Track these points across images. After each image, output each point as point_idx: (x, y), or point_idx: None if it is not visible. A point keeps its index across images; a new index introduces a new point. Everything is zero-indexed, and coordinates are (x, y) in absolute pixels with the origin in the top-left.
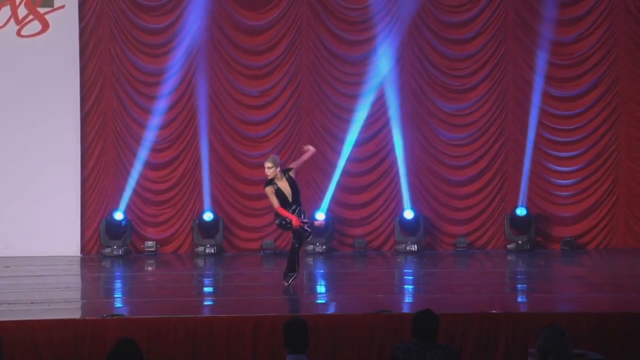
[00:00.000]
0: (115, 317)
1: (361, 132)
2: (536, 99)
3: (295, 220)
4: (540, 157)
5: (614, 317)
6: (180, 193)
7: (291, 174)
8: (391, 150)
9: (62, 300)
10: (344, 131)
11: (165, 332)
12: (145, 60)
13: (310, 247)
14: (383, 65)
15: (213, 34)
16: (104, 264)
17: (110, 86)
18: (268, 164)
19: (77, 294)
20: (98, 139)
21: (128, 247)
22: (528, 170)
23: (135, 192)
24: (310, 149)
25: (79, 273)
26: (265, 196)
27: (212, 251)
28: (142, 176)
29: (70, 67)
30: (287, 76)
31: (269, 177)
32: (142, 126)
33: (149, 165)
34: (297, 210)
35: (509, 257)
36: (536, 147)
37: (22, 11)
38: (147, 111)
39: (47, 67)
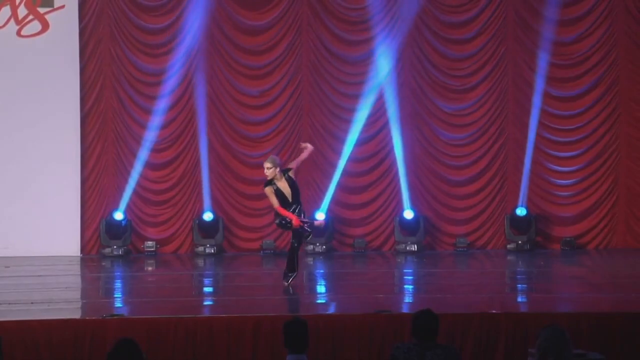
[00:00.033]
0: (115, 317)
1: (361, 132)
2: (536, 99)
3: (295, 220)
4: (540, 157)
5: (614, 317)
6: (180, 193)
7: (290, 174)
8: (391, 150)
9: (62, 300)
10: (344, 131)
11: (165, 332)
12: (145, 60)
13: (310, 247)
14: (383, 65)
15: (213, 34)
16: (104, 264)
17: (110, 86)
18: (267, 165)
19: (77, 294)
20: (98, 139)
21: (128, 247)
22: (528, 170)
23: (135, 192)
24: (308, 146)
25: (79, 273)
26: (265, 196)
27: (212, 251)
28: (142, 176)
29: (70, 67)
30: (287, 76)
31: (269, 178)
32: (142, 126)
33: (149, 165)
34: (297, 210)
35: (509, 257)
36: (536, 147)
37: (22, 11)
38: (147, 111)
39: (47, 67)
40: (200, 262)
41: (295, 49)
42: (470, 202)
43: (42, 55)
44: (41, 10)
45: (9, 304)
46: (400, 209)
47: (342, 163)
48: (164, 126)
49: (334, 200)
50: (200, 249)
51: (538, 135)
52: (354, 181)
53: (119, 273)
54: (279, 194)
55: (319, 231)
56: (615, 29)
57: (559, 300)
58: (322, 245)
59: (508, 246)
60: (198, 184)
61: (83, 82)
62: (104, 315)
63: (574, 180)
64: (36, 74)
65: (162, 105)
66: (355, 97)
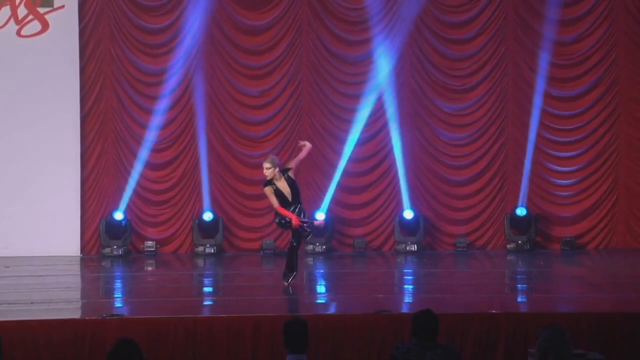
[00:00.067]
0: (115, 317)
1: (361, 132)
2: (536, 99)
3: (294, 220)
4: (540, 157)
5: (614, 317)
6: (180, 193)
7: (290, 174)
8: (391, 150)
9: (62, 300)
10: (344, 131)
11: (165, 332)
12: (145, 60)
13: (310, 247)
14: (383, 65)
15: (213, 34)
16: (103, 264)
17: (110, 86)
18: (266, 165)
19: (77, 294)
20: (98, 139)
21: (128, 247)
22: (528, 170)
23: (135, 192)
24: (307, 144)
25: (79, 273)
26: (265, 196)
27: (212, 251)
28: (142, 176)
29: (70, 67)
30: (287, 76)
31: (268, 178)
32: (142, 126)
33: (148, 165)
34: (297, 210)
35: (509, 257)
36: (536, 147)
37: (22, 11)
38: (147, 111)
39: (47, 67)
40: (200, 262)
41: (295, 49)
42: (470, 202)
43: (42, 55)
44: (41, 10)
45: (9, 304)
46: (400, 209)
47: (342, 163)
48: (164, 126)
49: (334, 200)
50: (200, 249)
51: (538, 135)
52: (354, 181)
53: (118, 273)
54: (278, 193)
55: (318, 231)
56: (615, 29)
57: (559, 300)
58: (322, 245)
59: (508, 246)
60: (198, 184)
61: (83, 82)
62: (104, 315)
63: (574, 180)
64: (36, 74)
65: (162, 105)
66: (355, 97)
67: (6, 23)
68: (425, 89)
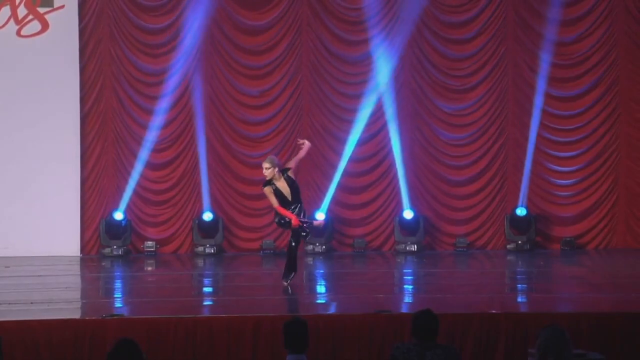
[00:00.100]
0: (115, 317)
1: (361, 132)
2: (536, 99)
3: (294, 220)
4: (540, 157)
5: (614, 317)
6: (180, 193)
7: (289, 173)
8: (391, 150)
9: (62, 300)
10: (344, 131)
11: (165, 332)
12: (145, 60)
13: (310, 247)
14: (383, 65)
15: (213, 34)
16: (103, 264)
17: (110, 86)
18: (266, 165)
19: (77, 294)
20: (98, 139)
21: (128, 247)
22: (528, 170)
23: (135, 192)
24: (306, 143)
25: (79, 273)
26: (265, 196)
27: (212, 251)
28: (142, 176)
29: (70, 67)
30: (287, 76)
31: (267, 178)
32: (142, 126)
33: (148, 166)
34: (297, 209)
35: (508, 257)
36: (536, 147)
37: (22, 11)
38: (147, 111)
39: (47, 67)
40: (200, 262)
41: (295, 49)
42: (470, 202)
43: (42, 55)
44: (41, 10)
45: (9, 304)
46: (400, 209)
47: (342, 163)
48: (164, 126)
49: (334, 201)
50: (200, 249)
51: (538, 135)
52: (354, 181)
53: (118, 273)
54: (278, 193)
55: (318, 231)
56: (615, 29)
57: (559, 300)
58: (322, 245)
59: (508, 246)
60: (198, 184)
61: (83, 82)
62: (103, 315)
63: (574, 180)
64: (36, 74)
65: (162, 105)
66: (355, 97)
67: (6, 23)
68: (425, 89)
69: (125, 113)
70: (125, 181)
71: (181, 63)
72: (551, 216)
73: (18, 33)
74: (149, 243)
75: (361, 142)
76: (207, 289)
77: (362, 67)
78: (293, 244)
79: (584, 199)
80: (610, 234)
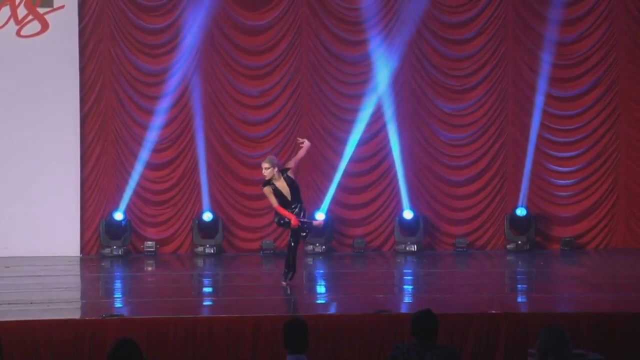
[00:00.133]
0: (115, 317)
1: (361, 132)
2: (536, 99)
3: (293, 220)
4: (540, 157)
5: (614, 317)
6: (180, 193)
7: (289, 173)
8: (391, 151)
9: (62, 300)
10: (344, 131)
11: (165, 332)
12: (145, 60)
13: (310, 247)
14: (383, 65)
15: (213, 34)
16: (103, 264)
17: (110, 86)
18: (265, 165)
19: (77, 294)
20: (98, 139)
21: (128, 247)
22: (528, 171)
23: (135, 192)
24: (305, 142)
25: (79, 273)
26: (264, 196)
27: (212, 251)
28: (142, 176)
29: (70, 67)
30: (287, 76)
31: (267, 178)
32: (142, 126)
33: (148, 166)
34: (297, 209)
35: (508, 257)
36: (536, 147)
37: (21, 11)
38: (147, 111)
39: (47, 67)
40: (200, 262)
41: (295, 49)
42: (470, 202)
43: (42, 55)
44: (41, 10)
45: (9, 304)
46: (399, 209)
47: (342, 163)
48: (164, 126)
49: (334, 201)
50: (200, 249)
51: (538, 135)
52: (354, 181)
53: (118, 273)
54: (277, 193)
55: (318, 231)
56: (615, 29)
57: (559, 300)
58: (321, 246)
59: (508, 246)
60: (198, 184)
61: (83, 82)
62: (103, 316)
63: (573, 180)
64: (36, 74)
65: (162, 105)
66: (355, 98)
67: (6, 23)
68: (425, 89)
69: (125, 113)
70: (125, 181)
71: (181, 63)
72: (551, 216)
73: (18, 33)
74: (149, 243)
75: (361, 142)
76: (207, 289)
77: (362, 68)
78: (292, 243)
79: (584, 199)
80: (610, 234)
